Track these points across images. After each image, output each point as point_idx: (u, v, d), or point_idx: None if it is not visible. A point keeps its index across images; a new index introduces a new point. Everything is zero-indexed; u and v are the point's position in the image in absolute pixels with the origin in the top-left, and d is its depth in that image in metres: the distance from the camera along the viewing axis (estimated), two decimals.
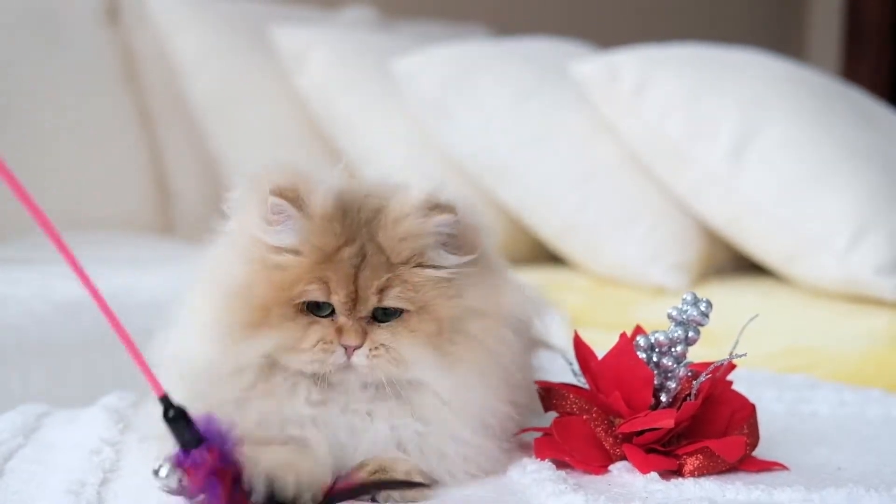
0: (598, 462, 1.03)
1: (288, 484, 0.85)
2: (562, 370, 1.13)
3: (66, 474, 0.96)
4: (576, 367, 1.10)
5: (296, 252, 0.93)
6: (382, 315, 0.93)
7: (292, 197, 0.92)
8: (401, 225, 0.93)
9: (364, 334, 0.92)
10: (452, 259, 0.95)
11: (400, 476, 0.91)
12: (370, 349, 0.92)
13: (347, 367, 0.92)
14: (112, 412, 1.15)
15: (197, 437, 0.81)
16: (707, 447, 1.02)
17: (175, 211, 2.57)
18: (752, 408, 1.08)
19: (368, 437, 0.94)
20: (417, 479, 0.91)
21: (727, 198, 2.06)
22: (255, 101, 2.57)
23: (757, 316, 1.10)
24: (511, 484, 0.97)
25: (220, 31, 2.58)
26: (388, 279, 0.92)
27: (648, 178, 2.20)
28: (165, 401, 0.81)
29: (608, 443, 1.04)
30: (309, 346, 0.92)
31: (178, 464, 0.81)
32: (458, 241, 0.96)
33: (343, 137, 2.47)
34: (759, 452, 1.08)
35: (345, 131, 2.46)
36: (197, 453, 0.80)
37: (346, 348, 0.92)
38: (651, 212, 2.16)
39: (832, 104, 2.15)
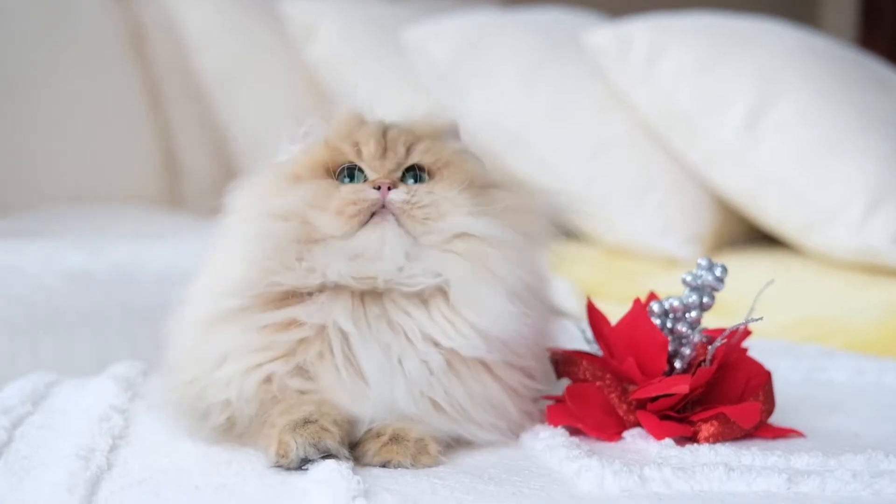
0: (611, 429, 1.02)
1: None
2: (574, 339, 1.12)
3: (75, 440, 0.96)
4: (589, 334, 1.09)
5: (324, 141, 0.96)
6: (409, 179, 0.94)
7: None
8: (413, 119, 0.99)
9: (396, 181, 0.92)
10: (472, 149, 1.00)
11: (412, 443, 0.89)
12: (408, 190, 0.91)
13: (383, 215, 0.89)
14: (121, 380, 1.14)
15: None
16: (722, 413, 1.01)
17: (184, 184, 2.56)
18: (768, 374, 1.07)
19: (403, 366, 0.92)
20: (431, 445, 0.90)
21: (741, 168, 2.04)
22: (263, 73, 2.56)
23: (773, 281, 1.09)
24: (524, 450, 0.96)
25: (228, 3, 2.56)
26: (413, 138, 0.95)
27: (661, 150, 2.18)
28: None
29: (622, 409, 1.03)
30: (337, 198, 0.90)
31: None
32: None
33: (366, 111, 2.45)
34: (775, 420, 1.06)
35: (354, 103, 2.45)
36: None
37: (379, 189, 0.90)
38: (664, 183, 2.14)
39: (848, 73, 2.12)
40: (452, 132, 1.01)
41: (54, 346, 1.56)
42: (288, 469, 0.88)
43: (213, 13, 2.53)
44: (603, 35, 2.18)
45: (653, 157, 2.18)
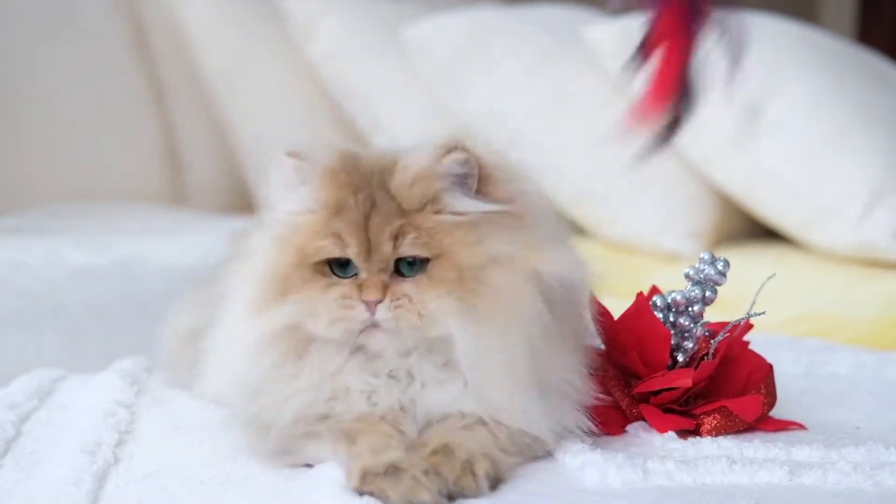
0: (614, 423, 1.02)
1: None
2: None
3: (81, 435, 0.96)
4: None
5: (310, 212, 0.90)
6: (406, 269, 0.89)
7: (302, 156, 0.90)
8: (411, 168, 0.89)
9: (385, 288, 0.87)
10: (472, 204, 0.89)
11: (460, 461, 0.85)
12: (392, 301, 0.87)
13: (375, 326, 0.88)
14: (126, 376, 1.15)
15: None
16: (724, 406, 1.01)
17: (186, 181, 2.56)
18: (770, 368, 1.07)
19: (426, 402, 0.90)
20: (480, 463, 0.85)
21: (741, 164, 2.04)
22: (266, 70, 2.56)
23: (774, 275, 1.09)
24: None
25: (229, 0, 2.56)
26: (400, 226, 0.88)
27: None
28: None
29: (625, 403, 1.03)
30: (327, 304, 0.88)
31: None
32: (487, 187, 0.91)
33: (354, 106, 2.46)
34: (777, 413, 1.07)
35: (356, 100, 2.45)
36: None
37: (367, 304, 0.87)
38: (665, 179, 2.15)
39: (847, 68, 2.13)
40: (444, 169, 0.90)
41: (59, 341, 1.56)
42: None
43: (215, 10, 2.53)
44: (604, 31, 2.19)
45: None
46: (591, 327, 1.01)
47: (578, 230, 2.30)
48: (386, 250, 0.88)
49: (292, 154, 0.90)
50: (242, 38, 2.55)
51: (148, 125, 2.49)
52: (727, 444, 0.96)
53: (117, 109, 2.43)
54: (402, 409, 0.90)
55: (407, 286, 0.88)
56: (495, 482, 0.86)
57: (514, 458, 0.89)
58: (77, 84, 2.35)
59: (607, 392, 1.03)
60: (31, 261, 1.62)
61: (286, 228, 0.91)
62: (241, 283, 0.93)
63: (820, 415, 1.10)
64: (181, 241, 1.73)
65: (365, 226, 0.88)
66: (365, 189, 0.89)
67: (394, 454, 0.84)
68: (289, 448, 0.89)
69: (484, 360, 0.88)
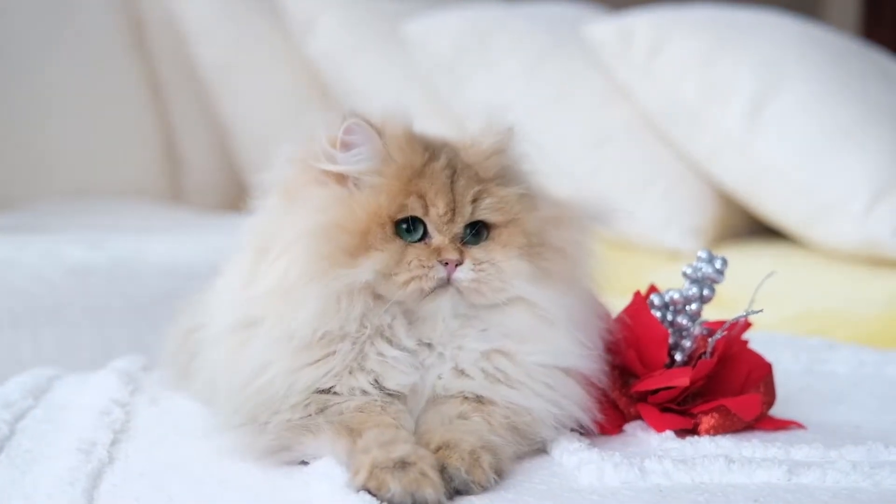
0: (612, 422, 1.01)
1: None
2: None
3: (76, 434, 0.96)
4: None
5: (381, 174, 0.92)
6: (470, 238, 0.93)
7: (366, 120, 0.92)
8: (483, 143, 0.95)
9: (462, 251, 0.92)
10: (525, 178, 0.97)
11: (464, 455, 0.85)
12: (475, 264, 0.92)
13: (445, 287, 0.91)
14: (122, 375, 1.15)
15: None
16: (723, 405, 1.00)
17: (184, 178, 2.56)
18: (769, 366, 1.07)
19: (454, 369, 0.92)
20: (483, 456, 0.86)
21: (743, 160, 2.04)
22: (264, 67, 2.56)
23: (774, 273, 1.08)
24: None
25: None
26: (479, 190, 0.93)
27: (663, 142, 2.18)
28: None
29: (622, 402, 1.03)
30: (406, 265, 0.90)
31: None
32: (518, 163, 0.98)
33: (353, 102, 2.45)
34: (776, 412, 1.06)
35: (354, 97, 2.44)
36: None
37: (446, 265, 0.91)
38: (666, 175, 2.14)
39: (850, 64, 2.12)
40: (509, 147, 0.98)
41: (56, 339, 1.56)
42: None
43: (212, 6, 2.52)
44: (604, 28, 2.18)
45: (655, 150, 2.18)
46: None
47: None
48: (467, 213, 0.93)
49: (356, 115, 0.92)
50: (240, 35, 2.55)
51: (146, 122, 2.48)
52: (725, 443, 0.96)
53: (115, 106, 2.43)
54: (407, 391, 0.91)
55: (478, 251, 0.93)
56: (498, 473, 0.86)
57: (511, 446, 0.90)
58: (75, 81, 2.35)
59: (606, 392, 1.02)
60: (28, 259, 1.62)
61: (354, 187, 0.92)
62: (296, 236, 0.91)
63: (820, 414, 1.10)
64: (178, 240, 1.73)
65: (451, 187, 0.92)
66: (443, 156, 0.94)
67: (402, 448, 0.84)
68: (286, 444, 0.89)
69: (557, 319, 0.93)
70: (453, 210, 0.92)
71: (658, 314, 1.04)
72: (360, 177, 0.92)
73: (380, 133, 0.92)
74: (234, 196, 2.49)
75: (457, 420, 0.90)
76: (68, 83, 2.34)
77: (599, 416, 0.96)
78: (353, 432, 0.87)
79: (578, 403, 0.94)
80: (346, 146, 0.92)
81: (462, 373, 0.93)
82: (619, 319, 1.03)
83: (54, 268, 1.61)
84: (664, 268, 2.02)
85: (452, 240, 0.92)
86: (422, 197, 0.91)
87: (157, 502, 0.84)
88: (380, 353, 0.91)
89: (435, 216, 0.91)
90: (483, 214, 0.93)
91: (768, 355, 1.09)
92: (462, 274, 0.91)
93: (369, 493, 0.81)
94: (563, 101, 2.23)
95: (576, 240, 0.98)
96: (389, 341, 0.91)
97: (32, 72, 2.28)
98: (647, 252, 2.12)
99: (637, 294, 1.05)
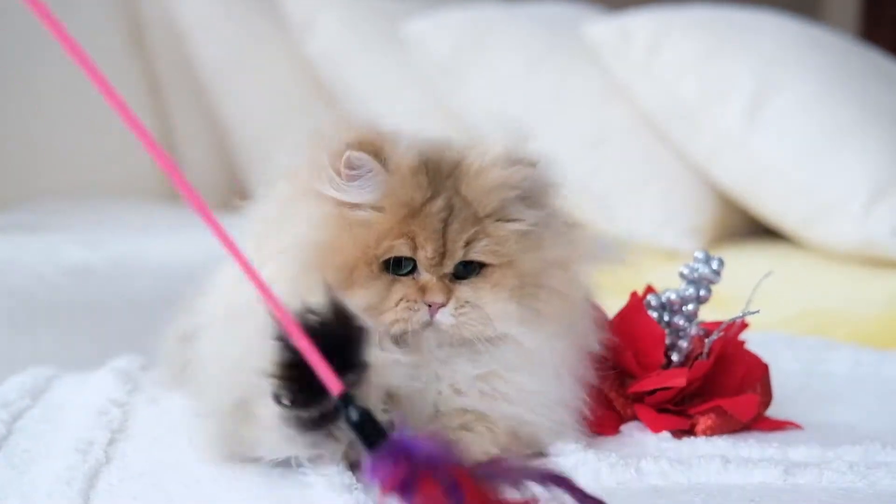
0: (609, 423, 1.01)
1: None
2: None
3: (73, 433, 0.96)
4: None
5: (378, 208, 0.90)
6: (462, 271, 0.91)
7: (373, 150, 0.89)
8: (486, 176, 0.91)
9: (448, 291, 0.90)
10: (532, 213, 0.92)
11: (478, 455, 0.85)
12: (456, 307, 0.90)
13: (428, 325, 0.90)
14: (120, 374, 1.15)
15: (382, 433, 0.70)
16: (719, 406, 1.01)
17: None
18: (766, 367, 1.07)
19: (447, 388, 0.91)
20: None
21: (742, 160, 2.04)
22: (263, 66, 2.55)
23: (771, 273, 1.08)
24: None
25: None
26: (475, 232, 0.90)
27: (662, 142, 2.18)
28: (346, 400, 0.71)
29: (619, 403, 1.03)
30: (392, 304, 0.89)
31: (371, 474, 0.69)
32: (535, 195, 0.93)
33: (353, 103, 2.45)
34: (773, 412, 1.06)
35: (354, 96, 2.45)
36: (385, 461, 0.68)
37: (430, 306, 0.89)
38: (664, 175, 2.14)
39: (849, 64, 2.12)
40: (521, 181, 0.92)
41: (54, 339, 1.56)
42: None
43: (211, 6, 2.52)
44: (603, 28, 2.18)
45: (653, 150, 2.18)
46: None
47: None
48: (457, 256, 0.90)
49: (359, 146, 0.89)
50: (239, 34, 2.54)
51: (144, 121, 2.47)
52: (722, 443, 0.96)
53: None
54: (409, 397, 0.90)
55: (466, 290, 0.91)
56: None
57: (515, 454, 0.89)
58: (73, 79, 2.34)
59: (602, 392, 1.02)
60: (26, 258, 1.62)
61: (348, 220, 0.90)
62: (287, 259, 0.90)
63: (817, 414, 1.10)
64: (177, 239, 1.73)
65: (443, 231, 0.90)
66: (442, 193, 0.90)
67: None
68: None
69: (543, 358, 0.92)
70: (442, 254, 0.90)
71: (655, 315, 1.04)
72: (357, 210, 0.90)
73: (385, 164, 0.89)
74: (232, 195, 2.49)
75: (460, 431, 0.89)
76: (66, 82, 2.33)
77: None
78: None
79: (571, 412, 0.94)
80: (348, 175, 0.89)
81: (459, 391, 0.92)
82: (613, 325, 1.03)
83: (53, 267, 1.61)
84: (662, 267, 2.02)
85: (441, 278, 0.90)
86: (412, 239, 0.89)
87: (154, 502, 0.84)
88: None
89: (423, 258, 0.90)
90: (475, 256, 0.91)
91: (766, 355, 1.09)
92: (442, 317, 0.89)
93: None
94: (562, 101, 2.23)
95: (576, 284, 0.94)
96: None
97: (30, 71, 2.28)
98: (645, 252, 2.12)
99: (634, 294, 1.05)
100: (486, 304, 0.90)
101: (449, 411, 0.91)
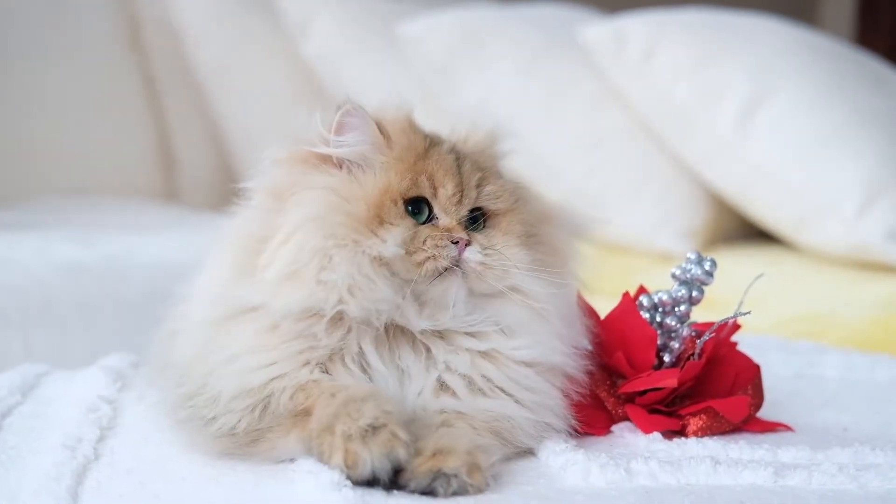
0: (600, 423, 1.01)
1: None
2: None
3: (63, 430, 0.96)
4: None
5: (382, 154, 0.91)
6: (470, 223, 0.94)
7: (362, 106, 0.92)
8: (476, 139, 0.98)
9: (468, 234, 0.92)
10: (511, 176, 0.99)
11: (462, 456, 0.84)
12: (483, 248, 0.92)
13: (453, 270, 0.90)
14: (111, 372, 1.14)
15: None
16: (710, 407, 1.00)
17: (180, 177, 2.56)
18: (757, 368, 1.07)
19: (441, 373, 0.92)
20: (480, 458, 0.85)
21: (736, 163, 2.04)
22: (259, 66, 2.56)
23: (763, 275, 1.08)
24: None
25: None
26: (482, 177, 0.94)
27: (656, 145, 2.18)
28: None
29: (610, 403, 1.03)
30: (420, 244, 0.90)
31: None
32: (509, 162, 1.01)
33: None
34: (765, 415, 1.06)
35: (351, 97, 2.44)
36: None
37: (457, 244, 0.91)
38: (659, 178, 2.14)
39: (843, 69, 2.12)
40: (500, 142, 1.02)
41: (47, 337, 1.56)
42: (356, 483, 0.82)
43: (208, 6, 2.52)
44: (599, 31, 2.18)
45: (648, 153, 2.18)
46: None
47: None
48: (472, 196, 0.93)
49: (347, 101, 0.92)
50: (236, 35, 2.54)
51: (141, 121, 2.48)
52: (713, 444, 0.96)
53: (111, 105, 2.42)
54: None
55: (481, 238, 0.93)
56: (492, 475, 0.86)
57: (499, 449, 0.89)
58: (71, 80, 2.35)
59: (593, 393, 1.02)
60: (20, 256, 1.61)
61: (354, 178, 0.91)
62: (304, 218, 0.90)
63: (808, 416, 1.10)
64: (171, 238, 1.72)
65: (458, 170, 0.93)
66: (444, 142, 0.96)
67: (369, 412, 0.83)
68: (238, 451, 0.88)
69: (546, 306, 0.93)
70: (461, 192, 0.92)
71: (647, 315, 1.04)
72: (359, 161, 0.91)
73: (378, 119, 0.93)
74: (228, 194, 2.49)
75: (442, 428, 0.89)
76: (64, 82, 2.33)
77: (575, 423, 0.95)
78: (297, 416, 0.86)
79: (555, 410, 0.94)
80: (342, 130, 0.91)
81: (442, 386, 0.91)
82: (605, 323, 1.03)
83: (46, 266, 1.60)
84: (655, 269, 2.03)
85: (459, 222, 0.92)
86: (430, 178, 0.91)
87: (141, 499, 0.84)
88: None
89: (444, 197, 0.92)
90: (485, 201, 0.94)
91: (759, 358, 1.09)
92: (471, 255, 0.91)
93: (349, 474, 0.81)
94: (557, 103, 2.23)
95: (565, 238, 0.99)
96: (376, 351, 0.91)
97: (28, 70, 2.28)
98: (640, 254, 2.12)
99: (626, 295, 1.05)
100: (502, 249, 0.93)
101: (427, 412, 0.90)
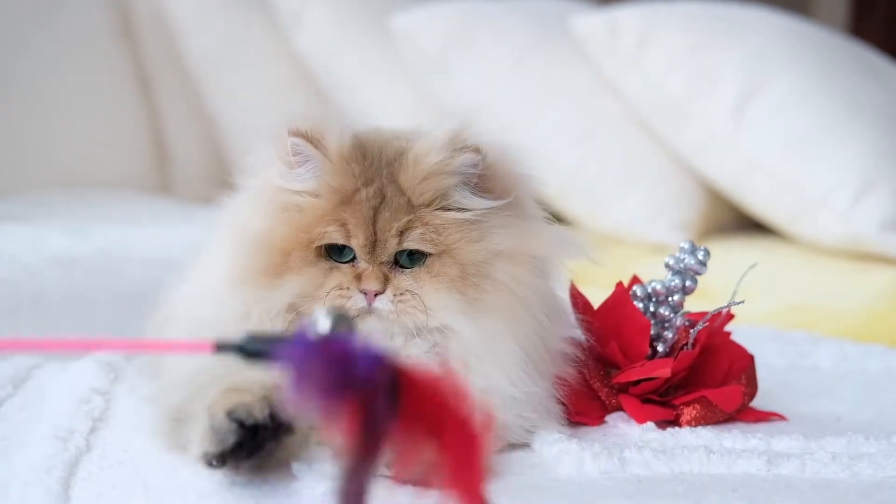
0: (593, 413, 1.01)
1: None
2: None
3: (54, 421, 0.95)
4: (571, 317, 1.08)
5: (315, 195, 0.90)
6: (406, 260, 0.90)
7: (311, 137, 0.89)
8: (423, 164, 0.90)
9: (385, 279, 0.89)
10: (479, 201, 0.91)
11: None
12: (395, 294, 0.89)
13: (370, 313, 0.89)
14: (103, 363, 1.13)
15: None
16: (704, 397, 1.01)
17: (173, 171, 2.55)
18: (751, 358, 1.07)
19: None
20: None
21: (729, 155, 2.04)
22: (253, 59, 2.55)
23: (756, 265, 1.08)
24: None
25: None
26: (408, 221, 0.89)
27: (650, 136, 2.18)
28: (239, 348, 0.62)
29: (604, 393, 1.03)
30: (324, 293, 0.89)
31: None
32: (488, 182, 0.92)
33: (341, 96, 2.45)
34: (759, 404, 1.07)
35: (344, 90, 2.44)
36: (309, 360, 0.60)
37: (366, 294, 0.89)
38: (653, 169, 2.14)
39: (837, 60, 2.12)
40: (458, 166, 0.90)
41: (39, 330, 1.55)
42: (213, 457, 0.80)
43: None
44: (592, 21, 2.18)
45: (641, 144, 2.18)
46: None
47: (565, 222, 2.30)
48: (391, 245, 0.89)
49: (297, 133, 0.90)
50: (229, 28, 2.53)
51: (134, 114, 2.47)
52: (706, 434, 0.96)
53: (104, 98, 2.42)
54: None
55: (406, 279, 0.90)
56: None
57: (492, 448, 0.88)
58: (63, 72, 2.34)
59: (586, 382, 1.02)
60: (12, 248, 1.61)
61: (286, 205, 0.91)
62: (228, 246, 0.92)
63: (802, 406, 1.10)
64: (164, 231, 1.72)
65: (373, 219, 0.89)
66: (376, 181, 0.90)
67: (236, 377, 0.81)
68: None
69: (486, 351, 0.89)
70: (374, 242, 0.89)
71: (640, 305, 1.04)
72: (298, 198, 0.91)
73: (320, 151, 0.90)
74: (221, 188, 2.48)
75: None
76: (57, 75, 2.32)
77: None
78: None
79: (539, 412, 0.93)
80: (292, 162, 0.91)
81: None
82: (599, 312, 1.03)
83: (38, 257, 1.60)
84: (649, 260, 2.02)
85: (380, 266, 0.89)
86: (344, 226, 0.89)
87: (133, 491, 0.84)
88: None
89: (357, 246, 0.89)
90: (411, 244, 0.90)
91: (753, 349, 1.09)
92: (381, 304, 0.89)
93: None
94: (551, 94, 2.23)
95: (526, 279, 0.91)
96: None
97: (20, 63, 2.27)
98: (634, 245, 2.12)
99: (619, 285, 1.05)
100: (425, 293, 0.89)
101: None
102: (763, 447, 0.93)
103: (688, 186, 2.13)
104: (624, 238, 2.14)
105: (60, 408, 0.99)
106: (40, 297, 1.57)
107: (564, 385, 0.95)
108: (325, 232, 0.89)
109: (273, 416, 0.79)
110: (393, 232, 0.89)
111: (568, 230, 0.99)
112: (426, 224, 0.90)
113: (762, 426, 1.01)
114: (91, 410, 0.99)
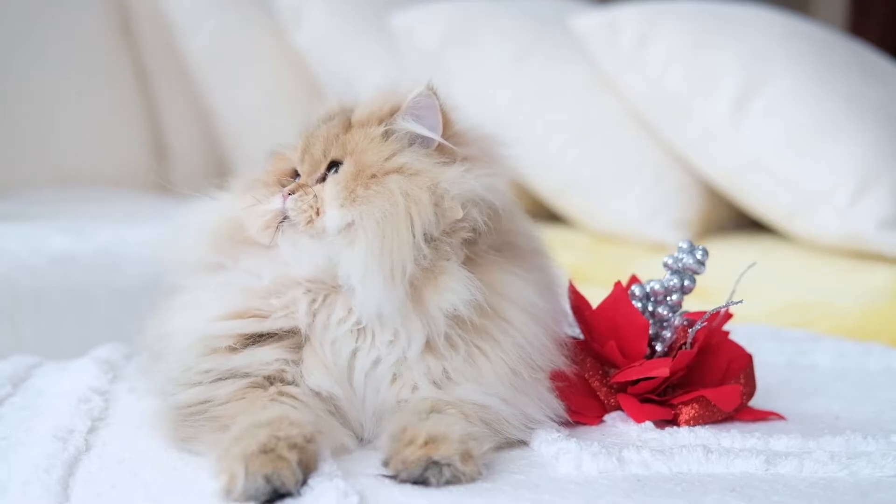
0: (592, 412, 1.02)
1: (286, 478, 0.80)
2: None
3: (53, 421, 0.95)
4: (570, 316, 1.08)
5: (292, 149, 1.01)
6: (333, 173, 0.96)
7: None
8: (376, 94, 1.00)
9: (301, 187, 0.96)
10: (413, 125, 0.95)
11: (455, 444, 0.84)
12: (300, 195, 0.94)
13: (286, 219, 0.94)
14: (102, 363, 1.14)
15: None
16: (703, 396, 1.01)
17: (171, 167, 2.55)
18: (749, 357, 1.07)
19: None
20: (473, 446, 0.84)
21: (728, 152, 2.04)
22: (251, 57, 2.55)
23: (755, 264, 1.08)
24: None
25: None
26: (336, 135, 0.97)
27: (649, 134, 2.18)
28: None
29: (602, 393, 1.03)
30: (258, 210, 0.96)
31: None
32: (448, 132, 0.97)
33: (340, 93, 2.44)
34: (757, 403, 1.07)
35: (342, 86, 2.43)
36: None
37: (283, 197, 0.95)
38: (651, 168, 2.14)
39: (836, 58, 2.12)
40: (408, 111, 0.96)
41: (37, 328, 1.55)
42: None
43: None
44: (591, 20, 2.18)
45: (640, 142, 2.18)
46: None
47: (564, 220, 2.30)
48: (316, 154, 0.97)
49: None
50: (227, 25, 2.53)
51: (133, 111, 2.47)
52: (704, 433, 0.96)
53: (103, 96, 2.41)
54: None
55: (319, 186, 0.96)
56: (485, 464, 0.86)
57: (490, 437, 0.89)
58: (62, 70, 2.34)
59: (584, 382, 1.02)
60: (11, 247, 1.61)
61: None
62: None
63: (800, 405, 1.10)
64: (162, 228, 1.71)
65: (309, 136, 0.99)
66: (337, 115, 1.00)
67: (263, 434, 0.82)
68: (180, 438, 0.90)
69: (362, 252, 0.90)
70: (303, 152, 0.98)
71: (639, 305, 1.04)
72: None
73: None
74: (220, 185, 2.48)
75: (433, 414, 0.88)
76: (56, 73, 2.32)
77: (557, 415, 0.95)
78: (222, 428, 0.87)
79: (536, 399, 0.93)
80: None
81: (413, 387, 0.92)
82: (597, 312, 1.03)
83: (37, 256, 1.60)
84: (647, 259, 2.03)
85: (308, 176, 0.97)
86: (296, 152, 0.99)
87: (132, 489, 0.83)
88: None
89: (295, 160, 0.99)
90: (332, 154, 0.96)
91: (751, 347, 1.09)
92: (288, 202, 0.95)
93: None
94: (550, 93, 2.23)
95: (419, 197, 0.92)
96: None
97: (19, 61, 2.26)
98: (633, 244, 2.12)
99: (618, 284, 1.05)
100: (321, 190, 0.95)
101: (413, 401, 0.90)
102: (761, 446, 0.93)
103: (686, 185, 2.13)
104: (622, 237, 2.14)
105: (60, 407, 1.00)
106: (40, 296, 1.57)
107: None
108: (288, 158, 0.99)
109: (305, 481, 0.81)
110: (321, 140, 0.97)
111: (492, 177, 0.97)
112: (348, 139, 0.97)
113: (760, 425, 1.01)
114: (90, 410, 0.99)
